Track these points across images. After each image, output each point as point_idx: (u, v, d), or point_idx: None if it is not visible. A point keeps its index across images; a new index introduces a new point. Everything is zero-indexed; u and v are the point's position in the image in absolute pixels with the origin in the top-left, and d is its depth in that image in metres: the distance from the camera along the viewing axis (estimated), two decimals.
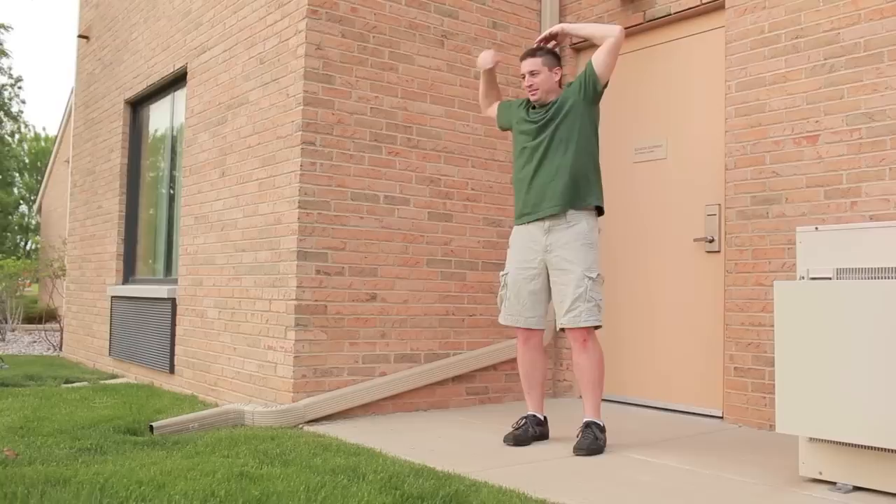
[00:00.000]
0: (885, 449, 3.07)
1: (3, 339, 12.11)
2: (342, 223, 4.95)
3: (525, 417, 4.25)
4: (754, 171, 4.77)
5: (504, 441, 4.15)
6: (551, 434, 4.30)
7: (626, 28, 5.55)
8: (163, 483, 3.11)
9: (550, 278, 4.13)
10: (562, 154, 4.09)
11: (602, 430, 4.02)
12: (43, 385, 6.44)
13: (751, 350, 4.69)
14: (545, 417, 4.31)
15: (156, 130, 7.68)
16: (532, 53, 4.24)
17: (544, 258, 4.12)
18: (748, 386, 4.69)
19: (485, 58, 4.45)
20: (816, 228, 3.37)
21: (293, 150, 4.89)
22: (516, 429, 4.20)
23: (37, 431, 4.26)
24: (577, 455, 3.88)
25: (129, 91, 7.78)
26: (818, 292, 3.21)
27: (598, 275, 4.02)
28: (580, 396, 5.85)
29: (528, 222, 4.18)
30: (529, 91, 4.22)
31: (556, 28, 4.29)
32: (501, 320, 4.32)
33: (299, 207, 4.81)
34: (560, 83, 4.26)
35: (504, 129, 4.54)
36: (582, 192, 4.08)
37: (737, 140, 4.86)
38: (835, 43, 4.45)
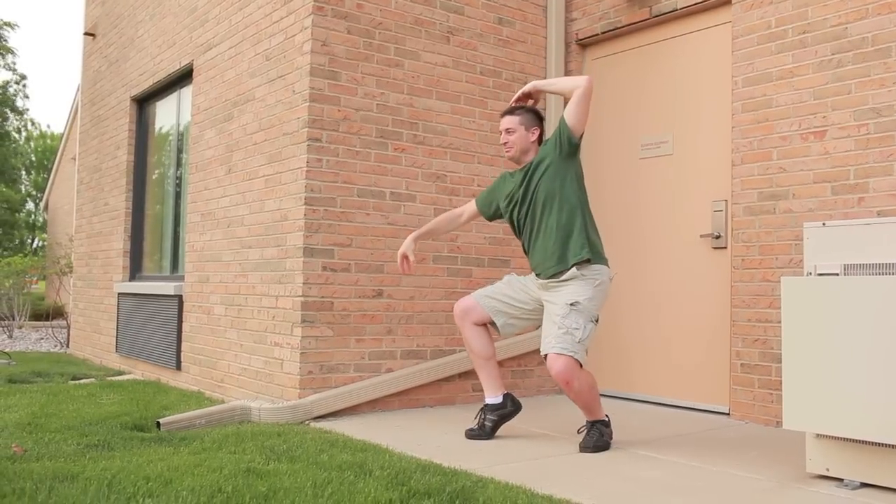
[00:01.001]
0: (892, 445, 3.06)
1: (11, 336, 12.15)
2: (348, 220, 4.96)
3: (480, 409, 4.27)
4: (761, 166, 4.75)
5: (465, 434, 4.21)
6: (557, 430, 4.29)
7: (632, 24, 5.58)
8: (170, 479, 3.12)
9: (547, 300, 4.06)
10: (548, 214, 4.05)
11: (606, 424, 4.02)
12: (50, 381, 6.47)
13: (757, 346, 4.68)
14: (504, 395, 4.26)
15: (162, 127, 7.70)
16: (511, 112, 4.21)
17: (539, 297, 4.13)
18: (755, 382, 4.69)
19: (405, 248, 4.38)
20: (824, 224, 3.36)
21: (299, 147, 4.90)
22: (472, 425, 4.25)
23: (44, 428, 4.27)
24: (584, 452, 3.88)
25: (135, 88, 7.80)
26: (825, 288, 3.21)
27: (579, 303, 3.87)
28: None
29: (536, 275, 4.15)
30: (505, 148, 4.21)
31: (529, 87, 4.22)
32: (476, 292, 4.30)
33: (305, 204, 4.81)
34: (540, 140, 4.20)
35: (492, 215, 4.42)
36: (572, 250, 3.97)
37: (743, 136, 4.85)
38: (842, 38, 4.43)
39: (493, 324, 4.26)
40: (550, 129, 4.73)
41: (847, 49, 4.41)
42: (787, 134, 4.64)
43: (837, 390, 3.13)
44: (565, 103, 4.10)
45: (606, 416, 4.07)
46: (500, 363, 5.47)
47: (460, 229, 5.27)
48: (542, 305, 4.10)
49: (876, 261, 3.16)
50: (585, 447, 3.91)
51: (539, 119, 4.24)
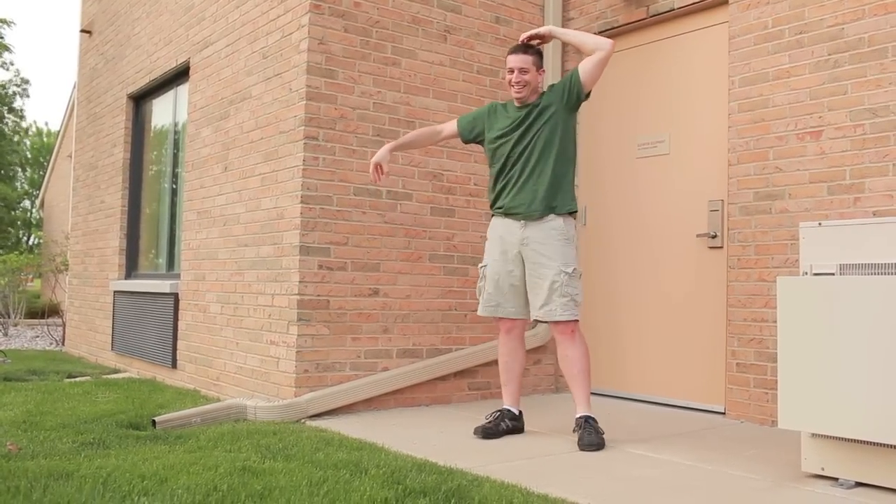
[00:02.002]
0: (887, 445, 3.06)
1: (6, 334, 12.13)
2: (344, 218, 4.95)
3: (499, 410, 4.27)
4: (757, 166, 4.76)
5: (474, 433, 4.17)
6: (552, 429, 4.30)
7: (629, 23, 5.58)
8: (165, 477, 3.11)
9: (526, 271, 4.16)
10: (545, 159, 4.12)
11: (595, 420, 4.04)
12: (46, 379, 6.46)
13: (753, 346, 4.69)
14: (520, 412, 4.32)
15: (158, 125, 7.69)
16: (524, 50, 4.19)
17: (520, 251, 4.15)
18: (750, 382, 4.69)
19: (379, 157, 4.36)
20: (820, 224, 3.36)
21: (296, 145, 4.89)
22: (487, 421, 4.22)
23: (40, 426, 4.27)
24: (587, 451, 3.88)
25: (131, 86, 7.78)
26: (821, 288, 3.21)
27: (575, 269, 4.07)
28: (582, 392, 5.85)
29: (504, 215, 4.22)
30: (516, 87, 4.16)
31: (544, 29, 4.24)
32: (480, 312, 4.33)
33: (302, 202, 4.81)
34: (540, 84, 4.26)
35: (471, 139, 4.44)
36: (560, 198, 4.13)
37: (740, 135, 4.85)
38: (839, 38, 4.44)
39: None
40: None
41: (843, 49, 4.42)
42: (784, 134, 4.65)
43: (833, 390, 3.13)
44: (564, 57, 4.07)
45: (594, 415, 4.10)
46: (497, 362, 5.49)
47: (457, 222, 5.35)
48: (521, 252, 4.13)
49: (872, 261, 3.17)
50: (588, 445, 3.90)
51: (542, 59, 4.28)
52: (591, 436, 3.93)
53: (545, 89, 4.28)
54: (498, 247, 4.24)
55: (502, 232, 4.23)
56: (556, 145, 4.13)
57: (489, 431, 4.16)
